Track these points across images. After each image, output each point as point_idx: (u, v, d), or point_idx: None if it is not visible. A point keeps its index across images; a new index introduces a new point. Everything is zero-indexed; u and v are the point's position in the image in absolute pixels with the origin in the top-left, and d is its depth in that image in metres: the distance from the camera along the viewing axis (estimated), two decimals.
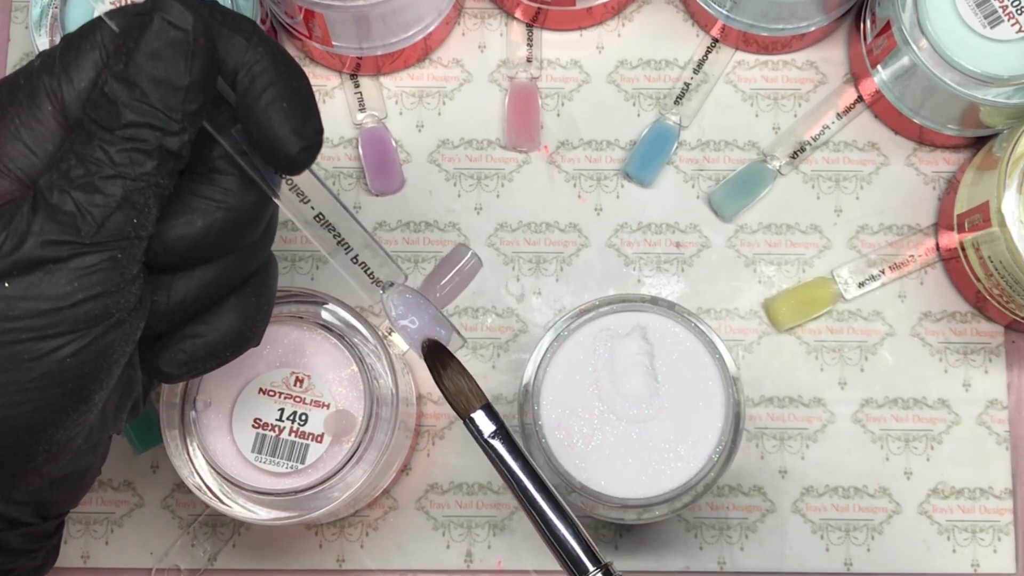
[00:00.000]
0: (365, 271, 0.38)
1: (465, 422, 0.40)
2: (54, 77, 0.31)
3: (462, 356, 0.55)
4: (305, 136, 0.32)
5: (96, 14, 0.50)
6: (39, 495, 0.34)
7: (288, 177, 0.35)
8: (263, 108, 0.31)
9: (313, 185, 0.36)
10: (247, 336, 0.36)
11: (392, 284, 0.38)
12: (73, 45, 0.31)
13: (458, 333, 0.39)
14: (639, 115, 0.57)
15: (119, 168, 0.29)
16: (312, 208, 0.36)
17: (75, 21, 0.50)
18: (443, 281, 0.55)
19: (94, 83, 0.31)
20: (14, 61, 0.59)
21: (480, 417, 0.39)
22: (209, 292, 0.34)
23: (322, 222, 0.36)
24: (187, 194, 0.32)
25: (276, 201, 0.35)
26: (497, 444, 0.39)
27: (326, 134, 0.57)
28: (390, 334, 0.54)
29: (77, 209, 0.29)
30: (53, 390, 0.30)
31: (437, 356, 0.40)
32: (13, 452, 0.31)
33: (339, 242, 0.37)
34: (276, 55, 0.32)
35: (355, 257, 0.37)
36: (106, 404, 0.33)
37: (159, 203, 0.31)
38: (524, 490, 0.39)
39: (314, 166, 0.34)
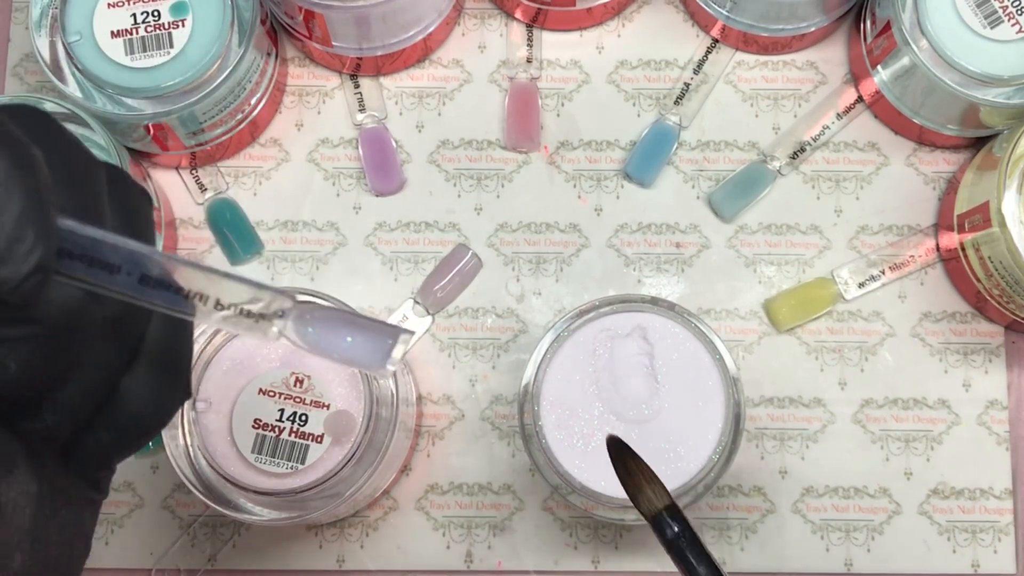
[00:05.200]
0: (243, 314, 0.28)
1: (650, 522, 0.38)
2: None
3: (460, 354, 0.55)
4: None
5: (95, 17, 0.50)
6: None
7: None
8: None
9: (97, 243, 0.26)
10: (158, 419, 0.30)
11: (282, 313, 0.28)
12: None
13: (397, 329, 0.29)
14: (639, 115, 0.57)
15: None
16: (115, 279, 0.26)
17: (75, 21, 0.50)
18: (443, 281, 0.55)
19: None
20: (14, 61, 0.59)
21: (664, 518, 0.38)
22: (96, 393, 0.28)
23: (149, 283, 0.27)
24: None
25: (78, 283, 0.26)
26: (683, 546, 0.38)
27: (327, 135, 0.58)
28: None
29: None
30: None
31: (620, 454, 0.38)
32: None
33: (187, 296, 0.27)
34: None
35: (217, 302, 0.28)
36: (44, 531, 0.29)
37: None
38: None
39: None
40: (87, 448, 0.29)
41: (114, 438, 0.29)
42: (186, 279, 0.27)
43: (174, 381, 0.30)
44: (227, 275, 0.28)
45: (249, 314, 0.28)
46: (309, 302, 0.29)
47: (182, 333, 0.30)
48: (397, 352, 0.28)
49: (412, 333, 0.29)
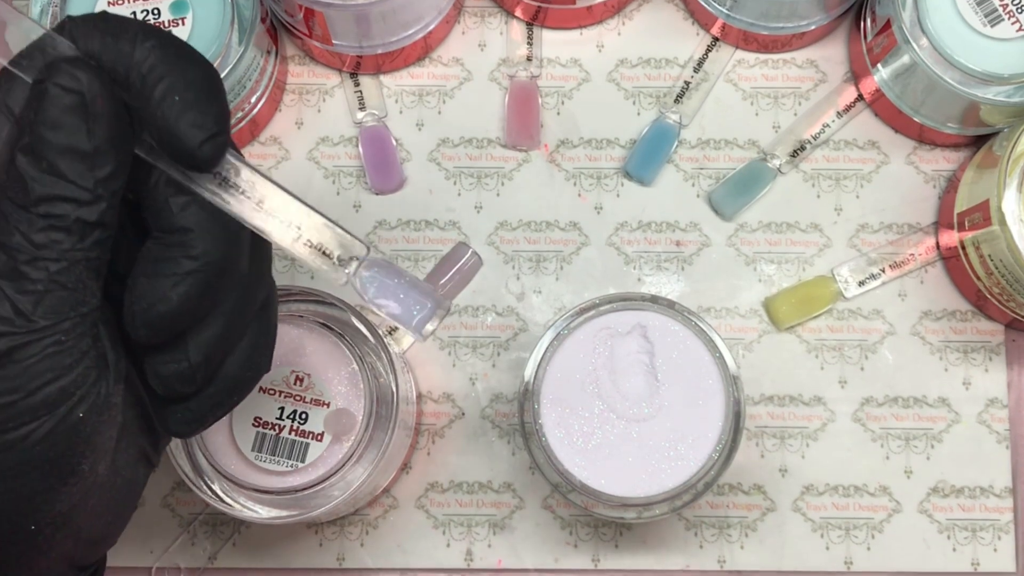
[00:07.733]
0: (322, 252, 0.33)
1: None
2: None
3: (460, 352, 0.55)
4: (205, 127, 0.30)
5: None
6: (67, 552, 0.33)
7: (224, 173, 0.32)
8: (156, 106, 0.29)
9: (251, 177, 0.32)
10: (250, 378, 0.34)
11: (355, 259, 0.33)
12: None
13: (437, 302, 0.35)
14: (639, 114, 0.57)
15: (39, 251, 0.28)
16: (250, 199, 0.32)
17: None
18: (443, 280, 0.54)
19: (8, 154, 0.29)
20: None
21: None
22: (229, 341, 0.33)
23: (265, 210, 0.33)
24: (155, 263, 0.31)
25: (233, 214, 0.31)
26: None
27: (327, 133, 0.57)
28: (391, 333, 0.54)
29: (8, 300, 0.28)
30: (33, 473, 0.30)
31: None
32: (12, 534, 0.30)
33: (287, 225, 0.32)
34: (165, 47, 0.30)
35: (308, 241, 0.33)
36: (116, 460, 0.32)
37: (96, 275, 0.30)
38: None
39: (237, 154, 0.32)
40: (188, 406, 0.33)
41: (214, 392, 0.33)
42: (284, 211, 0.32)
43: (264, 353, 0.35)
44: (320, 214, 0.32)
45: (329, 255, 0.33)
46: (377, 258, 0.33)
47: (274, 310, 0.35)
48: (430, 326, 0.34)
49: (448, 307, 0.35)
